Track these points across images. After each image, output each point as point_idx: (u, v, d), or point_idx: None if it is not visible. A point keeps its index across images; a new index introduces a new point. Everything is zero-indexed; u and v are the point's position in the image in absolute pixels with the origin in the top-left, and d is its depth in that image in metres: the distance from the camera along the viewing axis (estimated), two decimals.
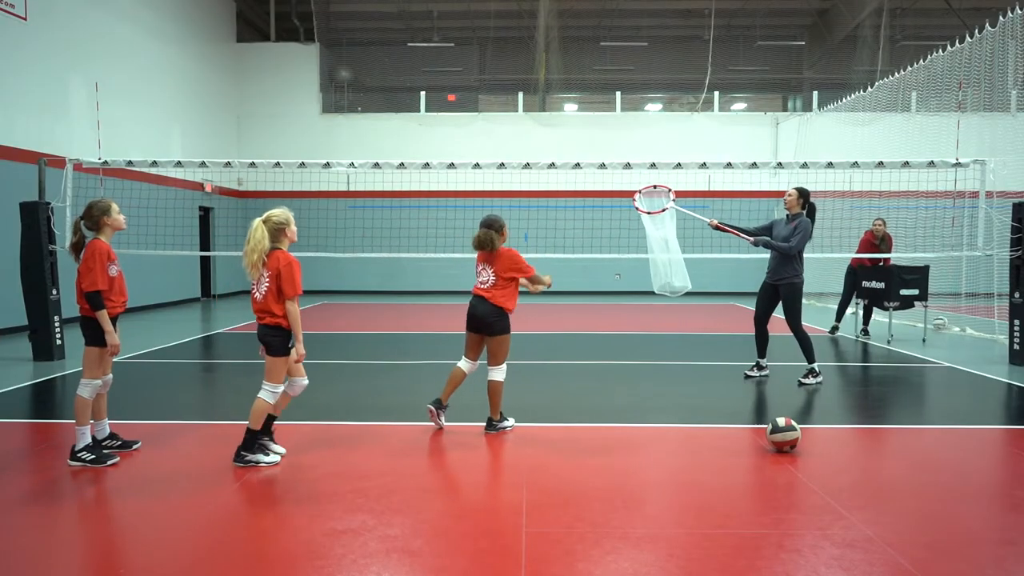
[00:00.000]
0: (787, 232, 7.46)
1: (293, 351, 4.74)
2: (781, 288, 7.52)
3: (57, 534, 3.80)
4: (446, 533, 3.74)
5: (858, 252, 11.22)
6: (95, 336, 4.80)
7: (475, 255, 5.89)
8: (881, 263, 10.96)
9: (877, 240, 10.97)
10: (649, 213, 7.48)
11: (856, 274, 11.28)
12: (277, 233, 4.73)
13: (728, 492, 4.40)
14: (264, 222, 4.68)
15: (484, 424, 5.79)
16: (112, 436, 5.12)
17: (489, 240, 5.71)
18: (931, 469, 4.84)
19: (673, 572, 3.30)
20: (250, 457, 4.78)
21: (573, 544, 3.58)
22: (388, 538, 3.65)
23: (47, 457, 5.05)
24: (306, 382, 5.08)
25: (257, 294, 4.71)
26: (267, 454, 4.87)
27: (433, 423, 5.75)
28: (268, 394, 4.76)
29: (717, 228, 7.63)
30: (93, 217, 4.86)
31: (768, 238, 7.52)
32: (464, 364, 5.81)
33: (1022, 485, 4.57)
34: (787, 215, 7.64)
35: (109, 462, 4.78)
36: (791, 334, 7.62)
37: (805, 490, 4.35)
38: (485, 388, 5.73)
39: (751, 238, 7.59)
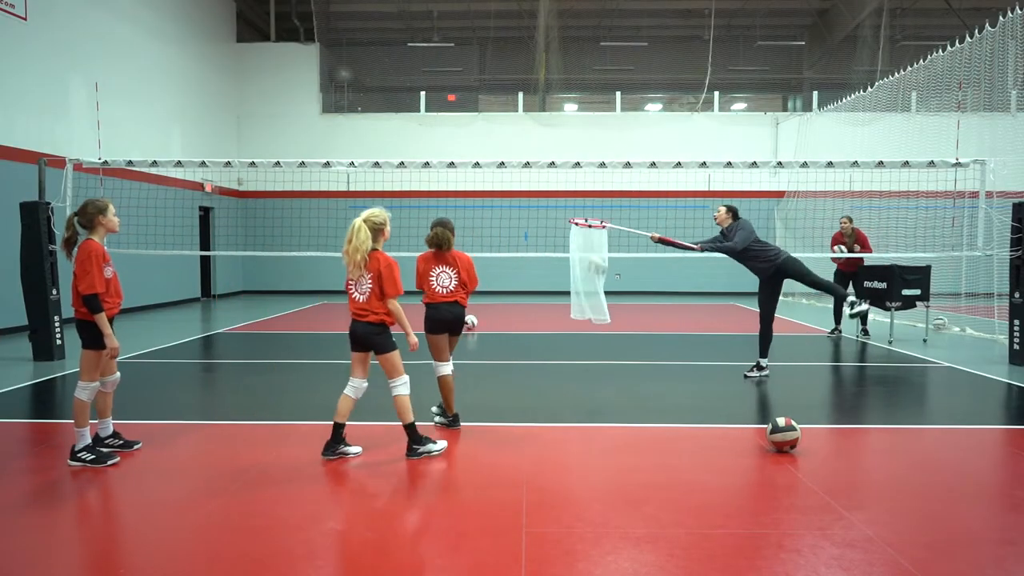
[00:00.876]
0: (729, 238, 7.68)
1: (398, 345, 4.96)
2: (774, 276, 7.64)
3: (56, 534, 3.80)
4: (446, 533, 3.74)
5: (831, 250, 11.30)
6: (93, 339, 4.78)
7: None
8: (857, 262, 11.06)
9: (846, 238, 11.01)
10: (589, 226, 7.10)
11: (844, 275, 11.31)
12: (376, 233, 4.82)
13: (728, 492, 4.40)
14: (365, 221, 4.75)
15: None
16: (115, 435, 5.13)
17: (447, 239, 5.57)
18: (931, 469, 4.84)
19: (673, 572, 3.30)
20: (422, 449, 4.99)
21: (573, 544, 3.58)
22: (388, 538, 3.65)
23: (47, 457, 5.05)
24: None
25: (357, 295, 4.84)
26: (435, 442, 5.09)
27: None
28: (404, 387, 4.97)
29: (660, 242, 7.74)
30: (88, 215, 4.81)
31: (714, 243, 7.73)
32: (449, 367, 5.70)
33: (1022, 485, 4.57)
34: (722, 230, 7.81)
35: (109, 462, 4.78)
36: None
37: (805, 490, 4.35)
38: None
39: (697, 246, 7.76)
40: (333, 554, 3.46)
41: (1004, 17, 10.59)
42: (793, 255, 7.78)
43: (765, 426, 5.31)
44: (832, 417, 6.58)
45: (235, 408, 6.71)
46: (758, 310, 7.91)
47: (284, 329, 12.57)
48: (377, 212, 4.84)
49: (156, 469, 4.75)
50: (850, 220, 11.13)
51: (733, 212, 7.81)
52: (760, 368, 7.94)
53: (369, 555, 3.46)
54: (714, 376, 8.13)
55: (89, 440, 4.82)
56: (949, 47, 12.06)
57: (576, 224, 7.13)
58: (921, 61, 13.00)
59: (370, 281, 4.76)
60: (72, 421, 4.82)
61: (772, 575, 3.26)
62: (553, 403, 6.75)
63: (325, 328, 12.76)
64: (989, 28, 10.97)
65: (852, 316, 7.60)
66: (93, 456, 4.78)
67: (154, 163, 10.65)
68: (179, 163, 10.84)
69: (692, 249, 7.73)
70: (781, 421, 5.10)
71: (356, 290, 4.82)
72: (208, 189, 18.52)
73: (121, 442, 5.12)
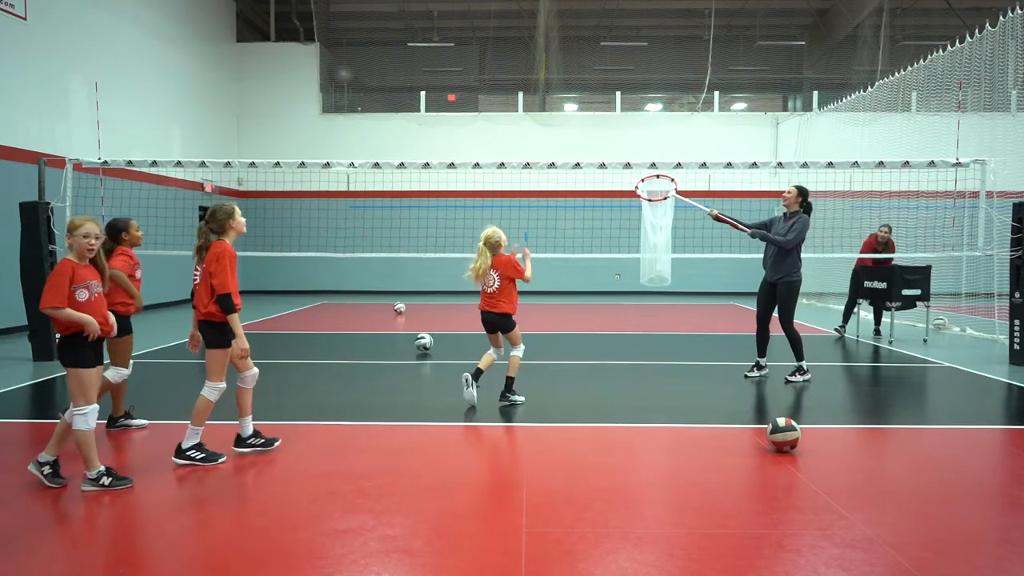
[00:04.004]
0: (784, 229, 7.52)
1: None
2: (779, 286, 7.57)
3: (55, 533, 3.80)
4: (446, 533, 3.74)
5: (861, 253, 11.25)
6: (220, 338, 4.78)
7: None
8: (881, 263, 11.00)
9: (880, 245, 11.01)
10: (650, 200, 7.79)
11: (857, 276, 11.31)
12: (496, 247, 6.48)
13: (728, 492, 4.40)
14: (485, 244, 6.46)
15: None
16: (256, 434, 5.17)
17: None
18: (931, 469, 4.84)
19: (673, 572, 3.29)
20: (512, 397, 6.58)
21: (573, 544, 3.58)
22: (388, 538, 3.65)
23: None
24: None
25: (489, 289, 6.44)
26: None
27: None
28: (520, 350, 6.60)
29: (717, 219, 7.72)
30: (218, 220, 4.85)
31: (766, 232, 7.57)
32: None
33: (1022, 485, 4.57)
34: (784, 212, 7.68)
35: (219, 460, 4.83)
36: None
37: (805, 490, 4.35)
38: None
39: (748, 230, 7.67)
40: (333, 554, 3.46)
41: (1004, 17, 10.59)
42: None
43: (765, 426, 5.31)
44: (832, 417, 6.57)
45: (235, 408, 6.70)
46: (755, 309, 7.91)
47: (284, 329, 12.56)
48: (491, 232, 6.48)
49: (156, 469, 4.74)
50: (890, 230, 11.15)
51: (804, 196, 7.60)
52: (760, 368, 7.93)
53: (369, 555, 3.46)
54: (714, 376, 8.13)
55: (199, 439, 4.83)
56: (949, 47, 12.06)
57: (638, 196, 8.22)
58: (921, 61, 12.99)
59: (498, 278, 6.42)
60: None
61: (772, 575, 3.26)
62: (553, 403, 6.75)
63: (325, 328, 12.75)
64: (989, 28, 10.97)
65: (787, 381, 7.57)
66: (203, 455, 4.80)
67: (154, 163, 10.65)
68: (179, 163, 10.84)
69: (744, 230, 7.70)
70: (781, 421, 5.09)
71: (487, 286, 6.44)
72: (208, 189, 18.51)
73: (263, 440, 5.16)
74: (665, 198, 7.73)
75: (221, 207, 4.90)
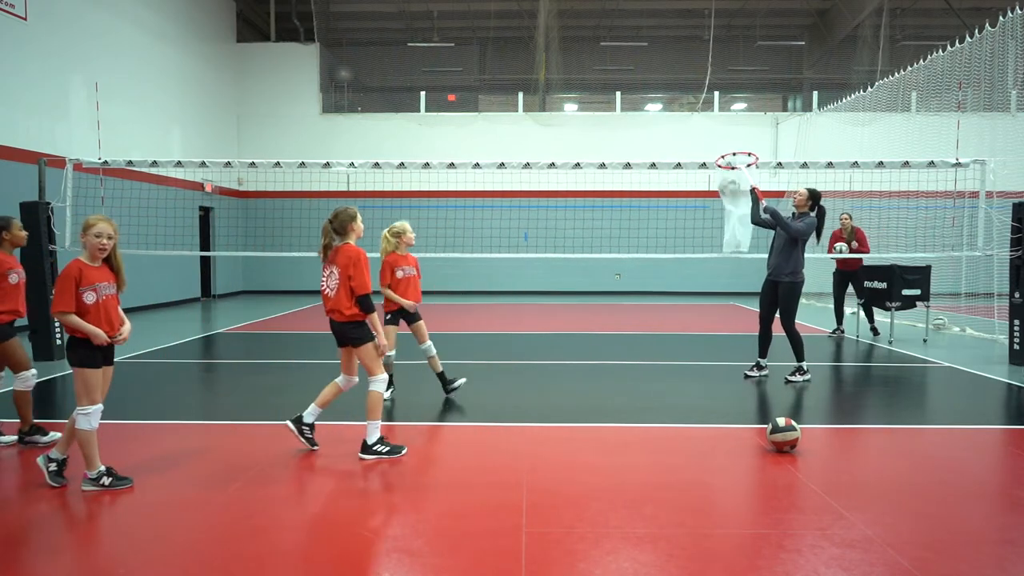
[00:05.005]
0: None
1: None
2: (781, 286, 7.57)
3: (54, 533, 3.80)
4: (446, 533, 3.74)
5: (829, 250, 11.26)
6: (368, 333, 5.01)
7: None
8: (856, 262, 11.06)
9: (845, 235, 11.00)
10: (731, 167, 8.42)
11: (843, 275, 11.32)
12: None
13: (728, 492, 4.40)
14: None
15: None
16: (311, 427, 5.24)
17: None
18: (931, 469, 4.84)
19: (673, 572, 3.30)
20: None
21: (573, 544, 3.58)
22: (388, 538, 3.65)
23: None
24: None
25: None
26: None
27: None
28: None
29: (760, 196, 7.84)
30: (341, 221, 4.98)
31: (777, 212, 7.58)
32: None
33: (1022, 485, 4.57)
34: (794, 213, 7.71)
35: (402, 452, 5.01)
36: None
37: (805, 490, 4.36)
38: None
39: (763, 203, 7.75)
40: (332, 554, 3.46)
41: (1004, 17, 10.59)
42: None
43: (765, 426, 5.31)
44: (832, 417, 6.58)
45: (235, 408, 6.71)
46: (758, 310, 7.91)
47: (284, 329, 12.57)
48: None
49: (156, 469, 4.75)
50: (850, 217, 11.14)
51: (815, 199, 7.64)
52: (760, 368, 7.94)
53: (369, 555, 3.46)
54: (714, 376, 8.13)
55: (379, 433, 4.98)
56: (949, 47, 12.06)
57: (720, 167, 8.73)
58: (921, 61, 12.99)
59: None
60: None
61: (772, 575, 3.26)
62: (553, 403, 6.75)
63: (325, 328, 12.74)
64: (989, 28, 10.97)
65: (787, 381, 7.58)
66: (388, 447, 4.97)
67: (154, 163, 10.66)
68: (179, 163, 10.84)
69: (760, 200, 7.76)
70: (781, 421, 5.10)
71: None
72: (208, 189, 18.52)
73: (389, 447, 5.22)
74: (749, 165, 8.25)
75: (345, 210, 5.06)
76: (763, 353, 7.92)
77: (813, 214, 7.60)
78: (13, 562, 3.41)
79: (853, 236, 10.99)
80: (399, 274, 6.46)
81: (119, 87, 14.74)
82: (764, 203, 7.73)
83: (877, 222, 14.01)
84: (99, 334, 4.28)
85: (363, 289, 4.87)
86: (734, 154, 8.57)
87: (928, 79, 12.95)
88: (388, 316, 6.50)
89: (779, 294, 7.61)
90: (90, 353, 4.30)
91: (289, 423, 5.14)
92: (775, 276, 7.64)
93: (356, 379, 5.21)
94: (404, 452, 5.04)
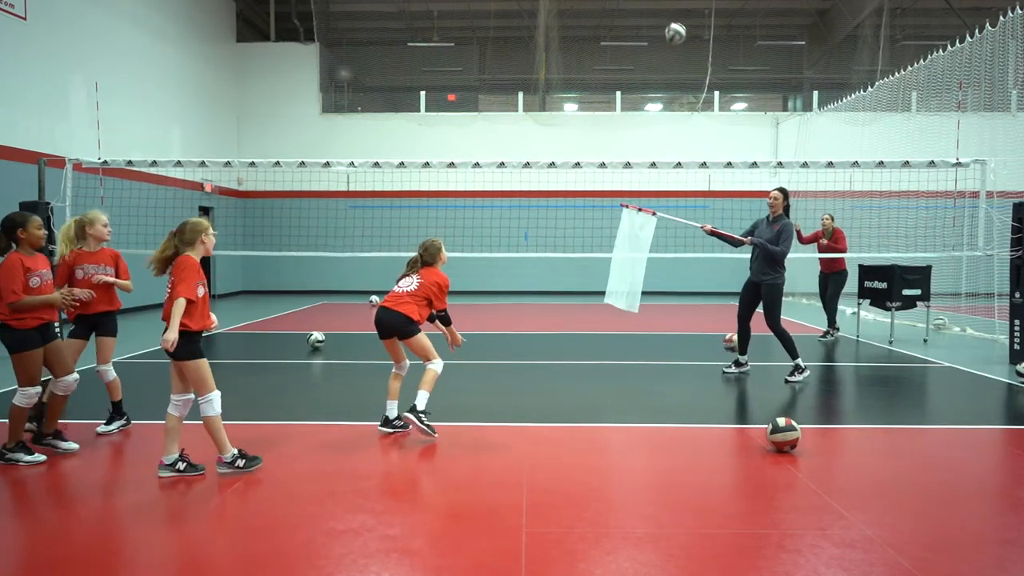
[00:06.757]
0: (771, 234, 7.65)
1: None
2: (763, 287, 7.67)
3: (54, 533, 3.80)
4: (446, 533, 3.74)
5: (803, 241, 11.26)
6: (417, 327, 5.51)
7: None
8: (838, 264, 11.07)
9: (825, 235, 11.01)
10: (639, 209, 7.72)
11: (825, 276, 11.32)
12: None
13: (728, 492, 4.40)
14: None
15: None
16: (400, 416, 5.57)
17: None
18: (931, 469, 4.84)
19: (673, 572, 3.29)
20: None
21: (573, 544, 3.58)
22: (388, 538, 3.65)
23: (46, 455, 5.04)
24: None
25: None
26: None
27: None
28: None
29: (711, 234, 7.89)
30: (431, 254, 5.69)
31: (764, 242, 7.66)
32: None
33: (1022, 485, 4.57)
34: (768, 216, 7.76)
35: (434, 435, 5.39)
36: (790, 334, 7.68)
37: (805, 490, 4.35)
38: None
39: (747, 240, 7.79)
40: (333, 554, 3.46)
41: (1004, 17, 10.58)
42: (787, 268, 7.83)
43: (765, 426, 5.31)
44: (832, 417, 6.58)
45: (235, 408, 6.70)
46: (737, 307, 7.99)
47: (284, 329, 12.56)
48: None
49: (154, 468, 4.74)
50: (831, 218, 11.17)
51: (786, 196, 7.77)
52: (740, 364, 8.01)
53: (369, 555, 3.46)
54: (714, 376, 8.13)
55: (424, 406, 5.37)
56: (949, 47, 12.06)
57: (626, 208, 7.82)
58: (921, 61, 12.99)
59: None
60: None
61: (772, 575, 3.26)
62: (553, 403, 6.75)
63: (325, 328, 12.73)
64: (989, 28, 10.97)
65: (786, 382, 7.56)
66: (428, 422, 5.35)
67: (154, 163, 10.66)
68: (179, 163, 10.85)
69: (741, 243, 7.78)
70: (781, 421, 5.09)
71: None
72: (208, 189, 18.51)
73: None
74: (654, 213, 7.69)
75: (432, 242, 5.82)
76: (743, 350, 8.00)
77: (788, 218, 7.71)
78: (12, 562, 3.40)
79: (832, 235, 11.01)
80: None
81: (119, 87, 14.74)
82: (742, 238, 7.79)
83: (877, 222, 14.01)
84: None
85: (442, 306, 5.63)
86: (639, 209, 7.87)
87: (928, 79, 12.95)
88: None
89: (762, 294, 7.70)
90: (196, 346, 4.48)
91: (412, 419, 5.37)
92: (755, 277, 7.79)
93: (408, 362, 5.63)
94: (436, 436, 5.33)
